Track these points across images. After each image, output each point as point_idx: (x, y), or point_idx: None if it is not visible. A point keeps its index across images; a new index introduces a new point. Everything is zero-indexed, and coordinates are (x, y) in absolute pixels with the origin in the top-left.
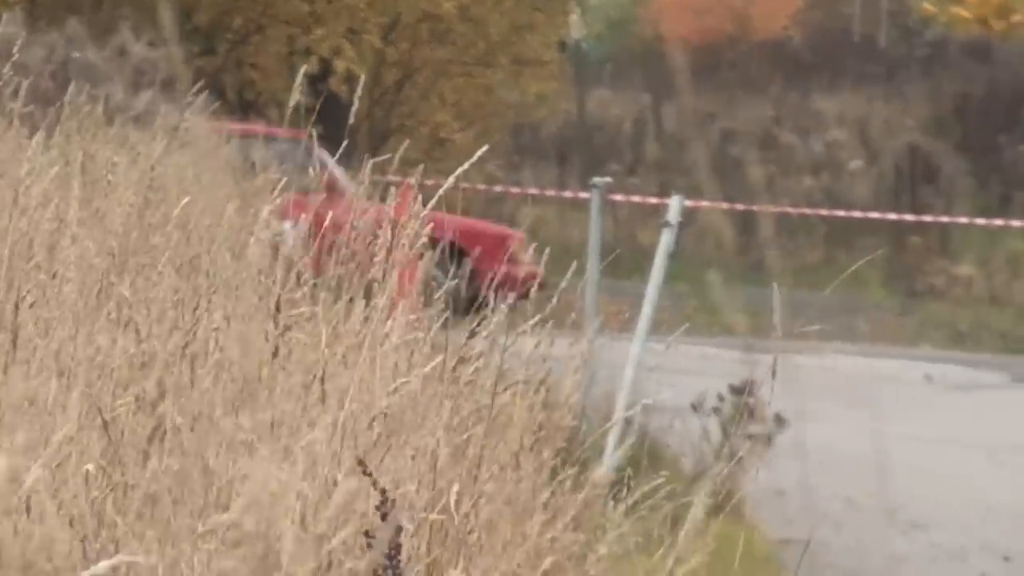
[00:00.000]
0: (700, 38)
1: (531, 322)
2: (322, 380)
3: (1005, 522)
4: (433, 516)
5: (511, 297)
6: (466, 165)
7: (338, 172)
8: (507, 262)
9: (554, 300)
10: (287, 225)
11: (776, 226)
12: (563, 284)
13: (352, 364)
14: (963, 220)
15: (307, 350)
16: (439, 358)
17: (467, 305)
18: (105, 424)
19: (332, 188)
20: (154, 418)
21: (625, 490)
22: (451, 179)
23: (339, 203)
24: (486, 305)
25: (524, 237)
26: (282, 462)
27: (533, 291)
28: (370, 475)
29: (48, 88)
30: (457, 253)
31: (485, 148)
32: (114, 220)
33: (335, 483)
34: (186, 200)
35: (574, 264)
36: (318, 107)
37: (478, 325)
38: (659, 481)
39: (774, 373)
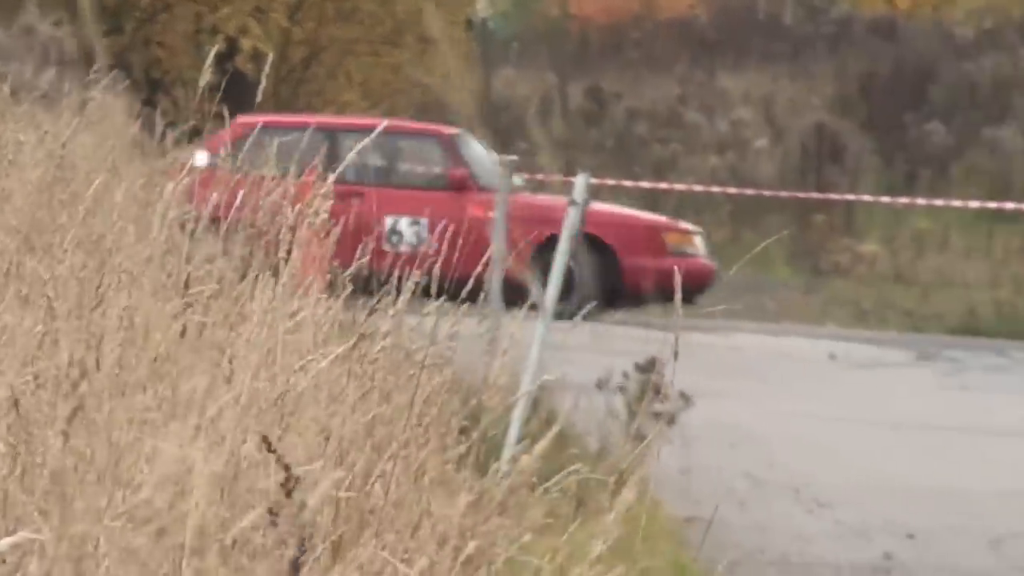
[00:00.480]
0: (605, 17)
1: (436, 302)
2: (231, 359)
3: (909, 500)
4: (339, 494)
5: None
6: (366, 140)
7: (481, 166)
8: (662, 255)
9: (469, 285)
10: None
11: (682, 205)
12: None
13: (258, 342)
14: (868, 198)
15: (214, 328)
16: (345, 336)
17: (608, 298)
18: (16, 402)
19: (462, 184)
20: (75, 398)
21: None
22: (351, 156)
23: (472, 199)
24: (634, 299)
25: (689, 227)
26: (190, 440)
27: (703, 287)
28: (274, 451)
29: None
30: (600, 245)
31: (385, 124)
32: (20, 199)
33: (240, 460)
34: (95, 179)
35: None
36: (223, 85)
37: (378, 302)
38: (570, 464)
39: (677, 351)
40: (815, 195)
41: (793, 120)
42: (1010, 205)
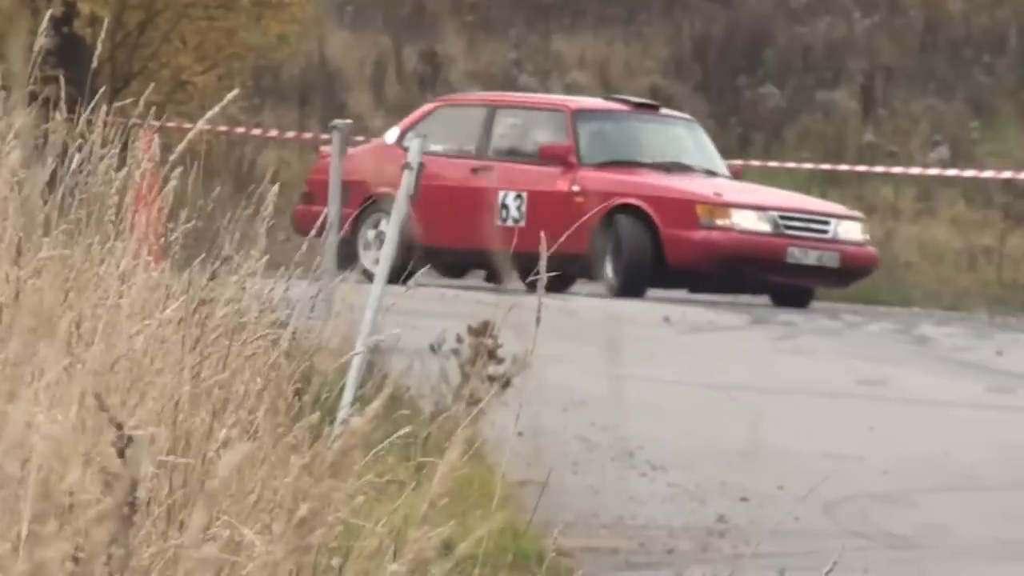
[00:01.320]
0: None
1: (261, 262)
2: (76, 324)
3: (743, 463)
4: (174, 458)
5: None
6: (216, 108)
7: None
8: (693, 227)
9: (303, 247)
10: None
11: None
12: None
13: (94, 306)
14: None
15: (50, 293)
16: (181, 301)
17: (646, 275)
18: None
19: (562, 159)
20: None
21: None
22: (200, 124)
23: (571, 175)
24: (675, 276)
25: (729, 199)
26: (31, 404)
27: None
28: (107, 411)
29: None
30: (644, 217)
31: (235, 93)
32: None
33: (77, 425)
34: None
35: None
36: (57, 49)
37: (218, 267)
38: (401, 425)
39: (539, 318)
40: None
41: (628, 83)
42: (843, 167)
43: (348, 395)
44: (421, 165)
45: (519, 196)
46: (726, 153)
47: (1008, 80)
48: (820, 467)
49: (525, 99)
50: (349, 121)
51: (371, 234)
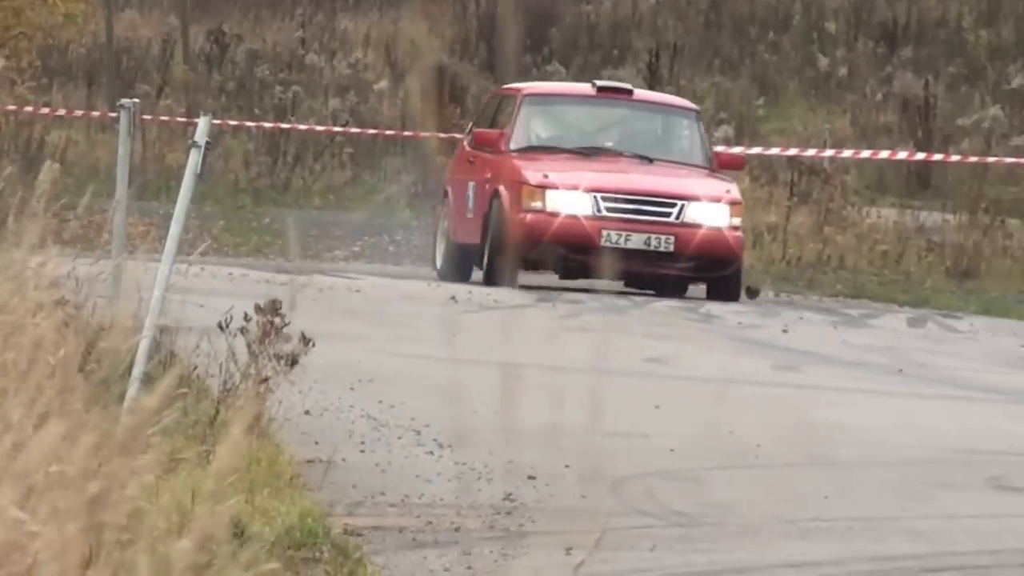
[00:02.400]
0: None
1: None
2: None
3: (530, 441)
4: None
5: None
6: None
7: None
8: (524, 211)
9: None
10: None
11: (303, 146)
12: (82, 206)
13: None
14: None
15: None
16: None
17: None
18: None
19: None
20: None
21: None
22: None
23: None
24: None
25: (552, 181)
26: None
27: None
28: None
29: None
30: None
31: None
32: None
33: None
34: None
35: (96, 186)
36: None
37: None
38: (186, 402)
39: (300, 293)
40: (440, 135)
41: (414, 62)
42: None
43: (136, 373)
44: (208, 143)
45: (475, 187)
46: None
47: (792, 58)
48: (606, 446)
49: (511, 89)
50: (137, 100)
51: None
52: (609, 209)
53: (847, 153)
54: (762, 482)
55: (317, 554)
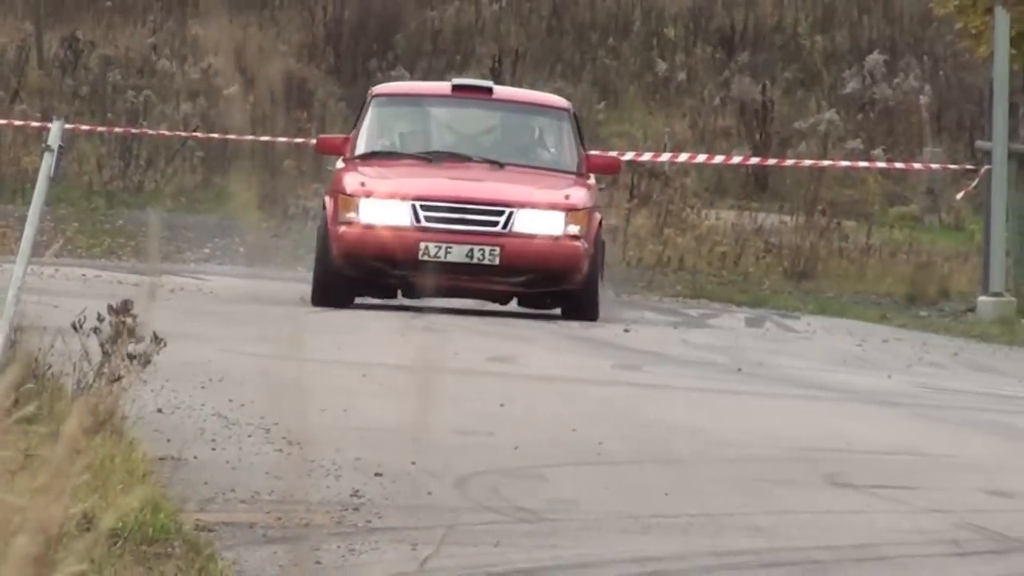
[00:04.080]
0: None
1: None
2: None
3: (378, 439)
4: None
5: None
6: None
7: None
8: (340, 223)
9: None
10: None
11: (155, 150)
12: None
13: None
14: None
15: None
16: None
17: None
18: None
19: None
20: None
21: (11, 410)
22: None
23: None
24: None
25: (368, 189)
26: None
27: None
28: None
29: None
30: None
31: None
32: None
33: None
34: None
35: None
36: None
37: None
38: (41, 400)
39: (153, 294)
40: (283, 140)
41: (263, 67)
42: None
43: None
44: (61, 147)
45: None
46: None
47: (632, 63)
48: (452, 443)
49: (390, 89)
50: None
51: None
52: (430, 219)
53: (685, 156)
54: (605, 479)
55: (169, 549)
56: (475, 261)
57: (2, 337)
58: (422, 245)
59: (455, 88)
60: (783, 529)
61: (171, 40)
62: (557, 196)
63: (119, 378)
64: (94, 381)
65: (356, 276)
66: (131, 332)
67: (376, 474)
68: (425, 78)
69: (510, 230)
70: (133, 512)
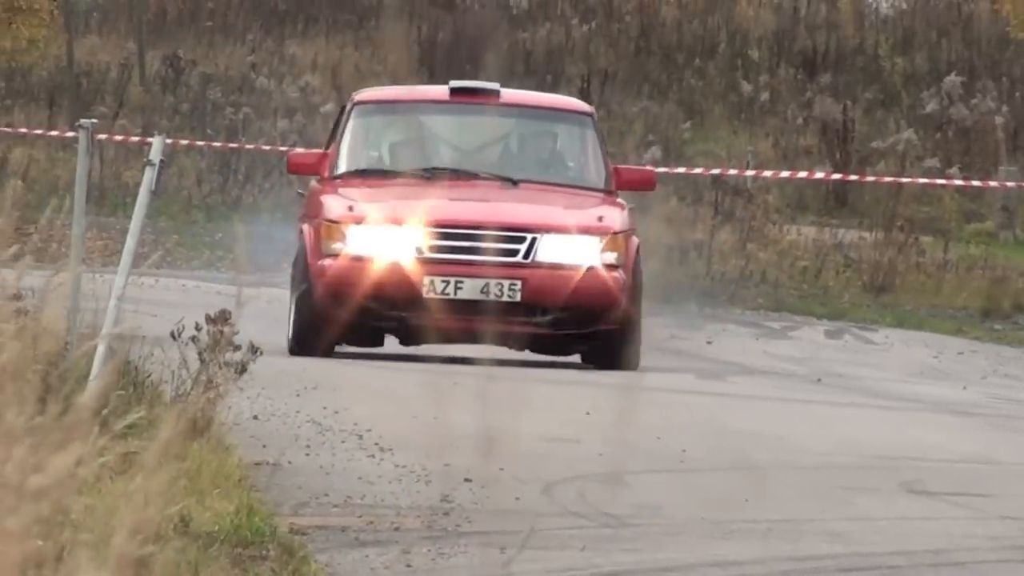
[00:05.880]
0: None
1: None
2: None
3: (466, 446)
4: None
5: None
6: None
7: None
8: (325, 254)
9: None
10: None
11: (252, 165)
12: (42, 221)
13: None
14: None
15: None
16: None
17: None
18: None
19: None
20: None
21: (110, 416)
22: None
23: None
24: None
25: (358, 213)
26: None
27: None
28: None
29: None
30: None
31: None
32: None
33: None
34: None
35: (54, 201)
36: None
37: None
38: (141, 408)
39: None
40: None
41: (358, 86)
42: None
43: (92, 378)
44: (162, 161)
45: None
46: None
47: (718, 84)
48: (540, 450)
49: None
50: (95, 121)
51: None
52: (435, 249)
53: (768, 173)
54: (688, 486)
55: (264, 552)
56: (491, 298)
57: (103, 346)
58: (427, 280)
59: (454, 92)
60: (860, 535)
61: (269, 59)
62: (588, 218)
63: (216, 386)
64: (192, 389)
65: (342, 319)
66: (228, 341)
67: (465, 480)
68: None
69: (533, 260)
70: (229, 515)
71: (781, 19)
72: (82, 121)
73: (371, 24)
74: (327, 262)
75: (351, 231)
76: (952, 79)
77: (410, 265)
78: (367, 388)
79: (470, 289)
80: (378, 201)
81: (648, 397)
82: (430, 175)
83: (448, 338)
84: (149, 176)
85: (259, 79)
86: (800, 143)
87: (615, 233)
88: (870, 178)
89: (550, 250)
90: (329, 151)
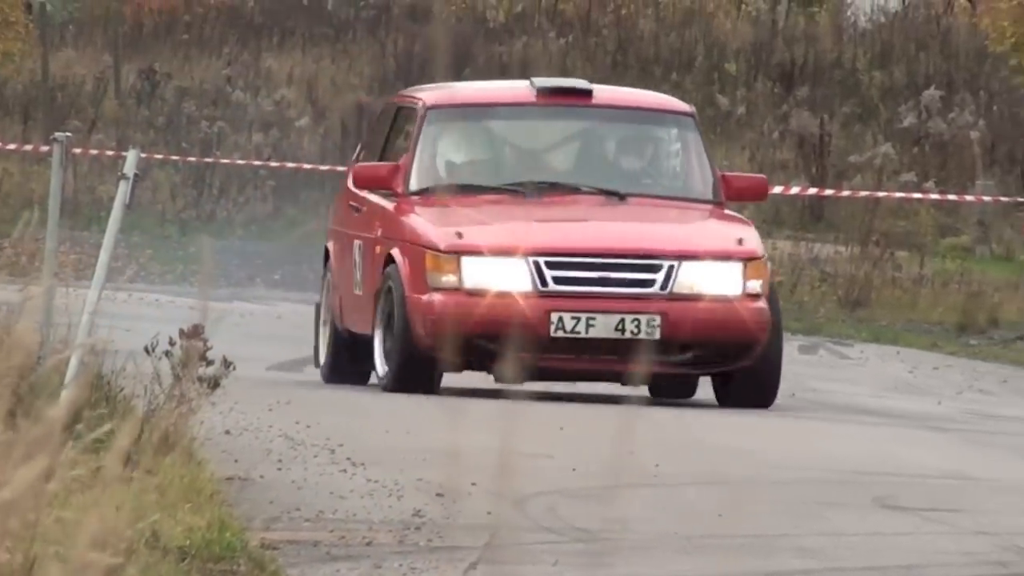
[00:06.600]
0: (159, 1)
1: None
2: None
3: (438, 461)
4: None
5: None
6: None
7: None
8: (431, 288)
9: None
10: None
11: (227, 180)
12: (15, 234)
13: None
14: None
15: None
16: None
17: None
18: None
19: None
20: None
21: (83, 430)
22: None
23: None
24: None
25: (469, 241)
26: None
27: None
28: None
29: None
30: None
31: None
32: None
33: None
34: None
35: (27, 215)
36: None
37: None
38: (109, 422)
39: (206, 318)
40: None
41: (334, 99)
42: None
43: (65, 391)
44: (136, 175)
45: (360, 248)
46: None
47: (694, 97)
48: (512, 464)
49: (414, 91)
50: (69, 135)
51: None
52: (560, 280)
53: None
54: (660, 501)
55: (235, 567)
56: (627, 336)
57: (76, 357)
58: (554, 317)
59: (542, 92)
60: (833, 550)
61: (245, 72)
62: (727, 240)
63: (189, 400)
64: (164, 403)
65: (453, 359)
66: (201, 356)
67: (437, 494)
68: None
69: (670, 291)
70: (200, 530)
71: (759, 32)
72: (57, 135)
73: (347, 37)
74: (435, 297)
75: (466, 263)
76: (931, 93)
77: (534, 300)
78: (339, 403)
79: (603, 326)
80: (486, 225)
81: (621, 411)
82: (527, 191)
83: (568, 377)
84: (123, 190)
85: (235, 92)
86: (777, 157)
87: (757, 258)
88: (846, 192)
89: (690, 279)
90: (401, 163)
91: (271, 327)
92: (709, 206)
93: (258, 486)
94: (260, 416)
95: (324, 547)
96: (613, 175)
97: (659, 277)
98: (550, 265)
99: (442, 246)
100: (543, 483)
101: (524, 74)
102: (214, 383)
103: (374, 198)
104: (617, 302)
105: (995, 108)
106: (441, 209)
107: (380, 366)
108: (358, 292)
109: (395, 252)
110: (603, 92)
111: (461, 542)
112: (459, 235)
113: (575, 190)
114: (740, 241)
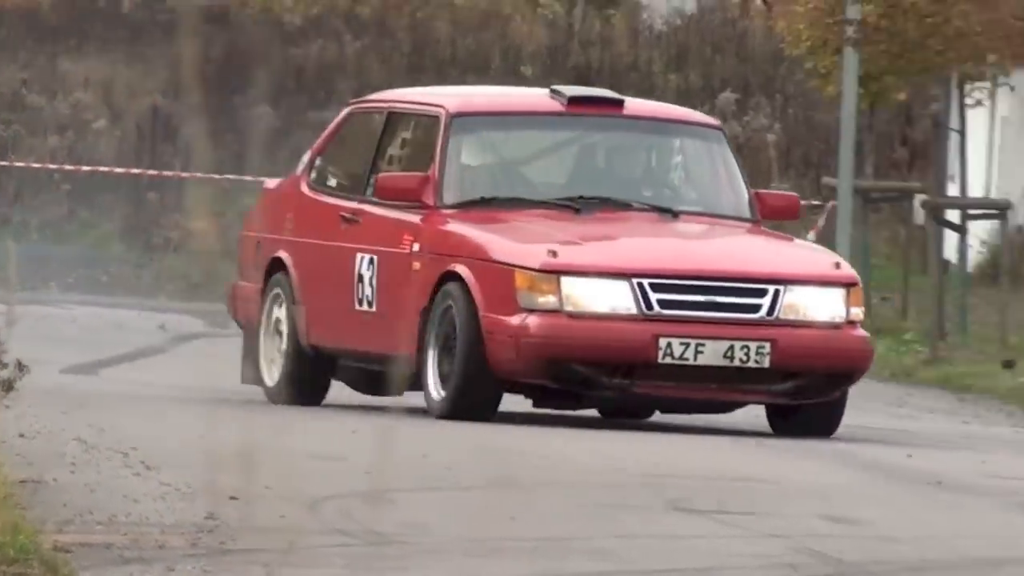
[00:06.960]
0: None
1: None
2: None
3: (232, 464)
4: None
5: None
6: None
7: None
8: (523, 309)
9: None
10: None
11: (22, 183)
12: None
13: None
14: (199, 175)
15: None
16: None
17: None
18: None
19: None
20: None
21: None
22: None
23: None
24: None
25: (566, 260)
26: None
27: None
28: None
29: None
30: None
31: None
32: None
33: None
34: None
35: None
36: None
37: None
38: None
39: (13, 322)
40: (150, 172)
41: (130, 103)
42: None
43: None
44: None
45: (372, 262)
46: (221, 168)
47: None
48: (305, 467)
49: (417, 97)
50: None
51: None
52: (666, 304)
53: None
54: (453, 504)
55: (28, 569)
56: (736, 363)
57: None
58: (662, 343)
59: (572, 101)
60: (627, 552)
61: (41, 76)
62: (825, 264)
63: None
64: None
65: (541, 386)
66: None
67: (231, 497)
68: (288, 114)
69: (777, 317)
70: None
71: (555, 35)
72: None
73: (143, 40)
74: (530, 319)
75: (566, 283)
76: (726, 96)
77: (640, 324)
78: (133, 407)
79: (712, 353)
80: (579, 244)
81: (415, 415)
82: (582, 206)
83: (673, 408)
84: None
85: (30, 96)
86: None
87: (856, 284)
88: None
89: (796, 304)
90: (429, 174)
91: (66, 330)
92: (749, 224)
93: (51, 489)
94: (54, 419)
95: (117, 550)
96: (662, 191)
97: (765, 302)
98: (655, 287)
99: (536, 265)
100: (337, 486)
101: (320, 77)
102: (8, 386)
103: (380, 211)
104: (725, 328)
105: (790, 111)
106: (504, 225)
107: (433, 389)
108: (363, 308)
109: (460, 269)
110: (633, 103)
111: (254, 544)
112: (553, 253)
113: (627, 206)
114: (837, 265)
